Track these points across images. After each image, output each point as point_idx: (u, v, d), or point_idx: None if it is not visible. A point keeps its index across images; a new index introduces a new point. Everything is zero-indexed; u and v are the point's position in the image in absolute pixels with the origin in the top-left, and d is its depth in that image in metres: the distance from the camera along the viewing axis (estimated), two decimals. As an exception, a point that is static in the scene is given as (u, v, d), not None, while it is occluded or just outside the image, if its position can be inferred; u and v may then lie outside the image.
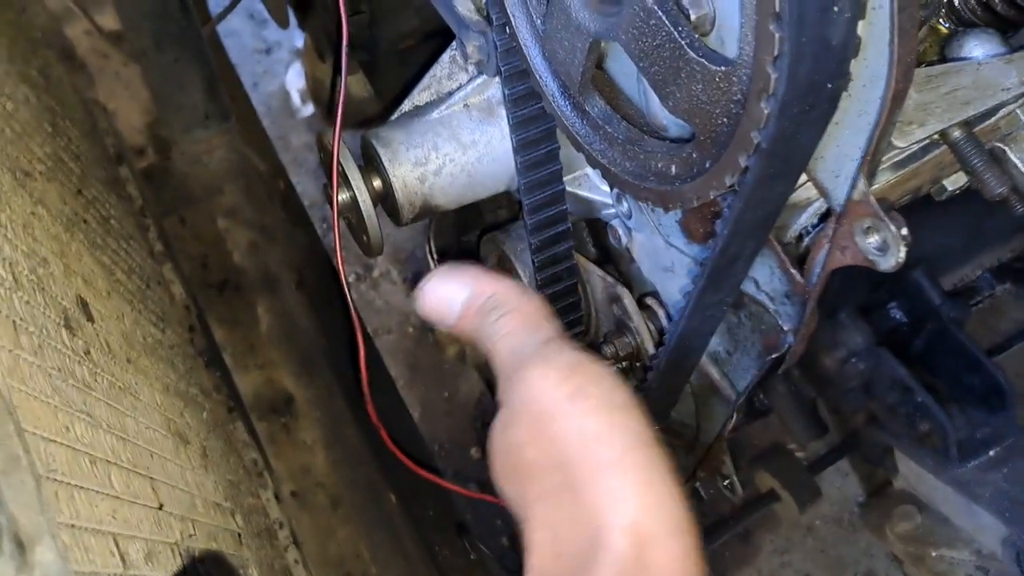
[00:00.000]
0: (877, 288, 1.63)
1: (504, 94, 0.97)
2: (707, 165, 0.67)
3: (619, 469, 0.73)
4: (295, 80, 3.07)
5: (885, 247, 0.64)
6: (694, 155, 0.70)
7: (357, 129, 1.78)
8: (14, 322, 0.70)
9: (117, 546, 0.71)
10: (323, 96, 1.84)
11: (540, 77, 0.87)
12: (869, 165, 0.61)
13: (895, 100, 0.56)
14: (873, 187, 0.81)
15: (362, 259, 2.96)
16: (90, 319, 0.95)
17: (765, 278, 0.81)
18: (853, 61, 0.58)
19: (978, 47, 0.76)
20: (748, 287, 0.84)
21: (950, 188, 0.87)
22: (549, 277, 1.12)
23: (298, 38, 3.06)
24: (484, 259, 1.27)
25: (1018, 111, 0.76)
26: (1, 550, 0.49)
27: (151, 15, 1.54)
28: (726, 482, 1.12)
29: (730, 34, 0.63)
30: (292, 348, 1.86)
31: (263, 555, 1.29)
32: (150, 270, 1.50)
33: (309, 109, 3.01)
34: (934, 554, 1.60)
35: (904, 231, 0.62)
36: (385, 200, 1.11)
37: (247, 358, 1.83)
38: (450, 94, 1.13)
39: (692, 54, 0.63)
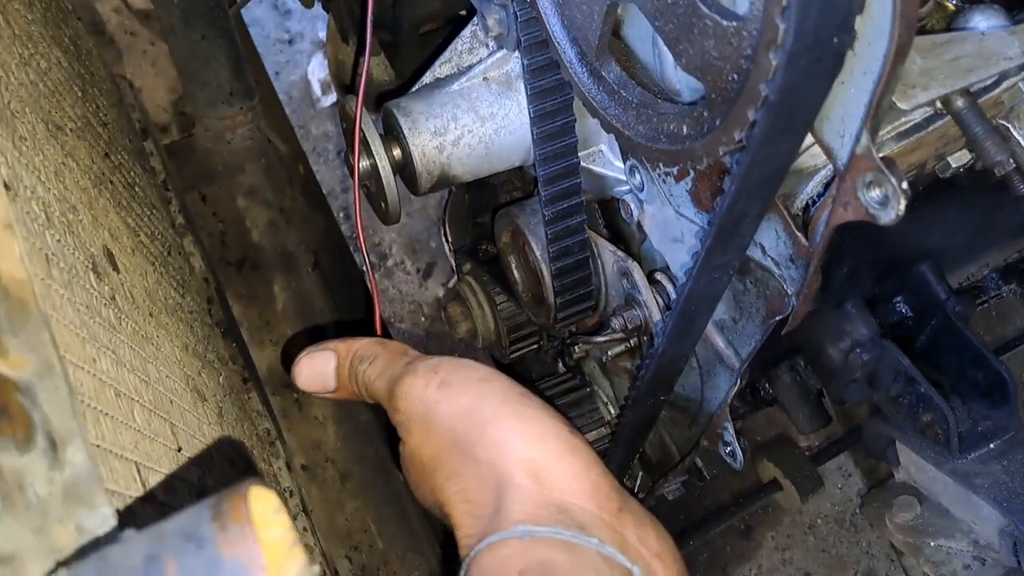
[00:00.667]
0: (884, 281, 1.65)
1: (523, 65, 1.00)
2: (717, 122, 0.70)
3: (499, 425, 0.83)
4: (317, 70, 3.11)
5: (886, 200, 0.66)
6: (705, 113, 0.73)
7: (377, 108, 1.82)
8: (46, 255, 0.73)
9: (139, 473, 0.73)
10: (345, 79, 1.87)
11: (559, 45, 0.90)
12: (872, 120, 0.63)
13: (898, 55, 0.59)
14: (890, 150, 0.84)
15: (377, 248, 3.00)
16: (116, 269, 0.98)
17: (771, 243, 0.84)
18: (858, 19, 0.61)
19: (983, 21, 0.78)
20: (754, 253, 0.87)
21: (954, 165, 0.89)
22: (562, 250, 1.15)
23: (321, 29, 3.10)
24: (498, 235, 1.30)
25: (1020, 84, 0.78)
26: (35, 444, 0.52)
27: (181, -9, 1.58)
28: (728, 449, 1.14)
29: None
30: (308, 326, 1.89)
31: (273, 518, 1.32)
32: (172, 240, 1.53)
33: (330, 99, 3.05)
34: (932, 544, 1.61)
35: (904, 184, 0.65)
36: (404, 169, 1.14)
37: (263, 334, 1.87)
38: (470, 67, 1.15)
39: (704, 10, 0.66)
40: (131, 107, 1.74)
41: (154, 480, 0.77)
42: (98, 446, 0.66)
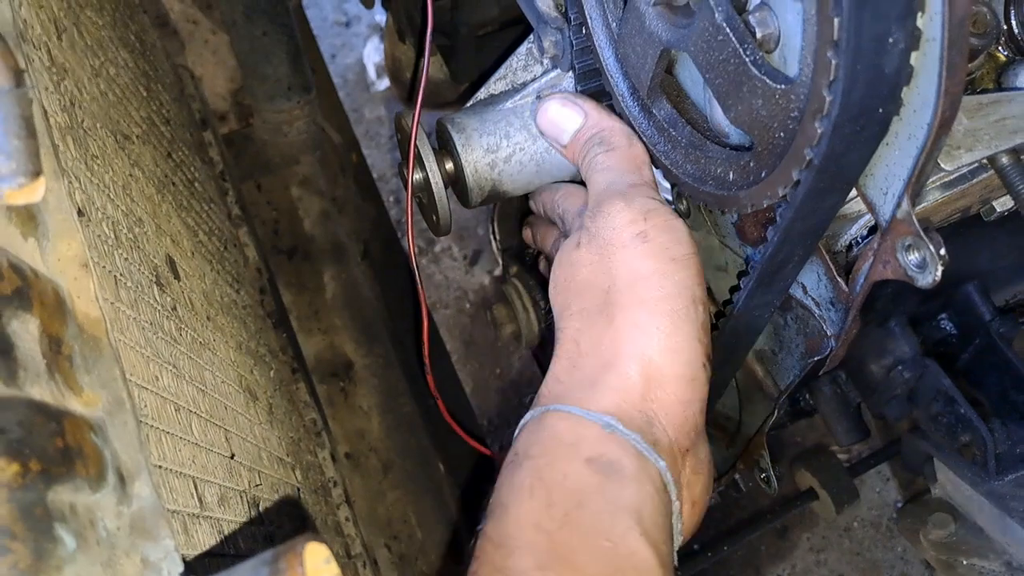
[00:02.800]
0: (929, 299, 1.65)
1: (576, 90, 1.02)
2: (763, 175, 0.72)
3: (653, 310, 0.82)
4: (372, 54, 3.14)
5: (924, 265, 0.68)
6: (751, 164, 0.74)
7: (432, 111, 1.85)
8: (115, 277, 0.77)
9: (196, 488, 0.77)
10: (401, 76, 1.90)
11: (611, 77, 0.92)
12: (914, 187, 0.65)
13: (941, 128, 0.60)
14: (923, 205, 0.85)
15: (425, 234, 3.03)
16: (177, 277, 1.02)
17: (812, 284, 0.86)
18: (905, 88, 0.62)
19: (1034, 78, 0.79)
20: (796, 291, 0.88)
21: (999, 209, 0.90)
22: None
23: (379, 13, 3.13)
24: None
25: (1067, 143, 0.79)
26: (106, 481, 0.55)
27: (244, -12, 1.61)
28: (763, 475, 1.16)
29: (792, 54, 0.68)
30: (355, 316, 1.93)
31: (318, 510, 1.37)
32: (228, 233, 1.58)
33: (384, 83, 3.08)
34: (965, 562, 1.62)
35: (943, 251, 0.66)
36: (456, 183, 1.16)
37: (311, 323, 1.91)
38: (524, 85, 1.17)
39: (755, 71, 0.67)
40: (192, 98, 1.78)
41: (210, 493, 0.81)
42: (160, 467, 0.70)
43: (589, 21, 0.93)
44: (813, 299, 0.86)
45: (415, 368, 1.93)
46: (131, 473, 0.57)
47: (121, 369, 0.60)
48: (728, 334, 0.90)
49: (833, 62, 0.58)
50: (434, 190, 1.13)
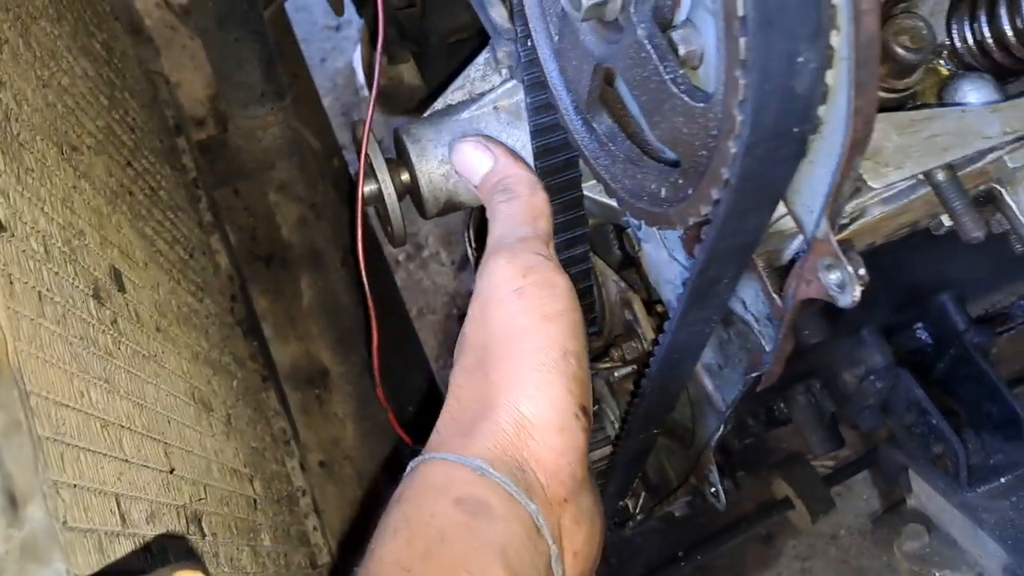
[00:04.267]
0: (904, 309, 1.64)
1: (526, 102, 1.01)
2: (688, 192, 0.71)
3: (523, 364, 0.85)
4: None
5: (843, 285, 0.67)
6: (680, 181, 0.73)
7: (406, 115, 1.84)
8: (39, 292, 0.76)
9: (119, 506, 0.76)
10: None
11: (555, 90, 0.91)
12: (832, 207, 0.64)
13: (853, 148, 0.59)
14: (865, 220, 0.84)
15: (413, 239, 3.03)
16: (121, 289, 1.01)
17: (751, 300, 0.84)
18: (822, 106, 0.61)
19: (972, 92, 0.78)
20: (736, 306, 0.87)
21: (947, 224, 0.88)
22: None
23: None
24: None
25: (1005, 157, 0.78)
26: (-5, 504, 0.54)
27: (215, -5, 1.60)
28: (712, 489, 1.16)
29: (714, 72, 0.67)
30: (331, 323, 1.92)
31: (280, 520, 1.36)
32: (196, 240, 1.57)
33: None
34: (937, 574, 1.61)
35: (861, 271, 0.65)
36: (412, 193, 1.15)
37: (287, 330, 1.90)
38: (482, 95, 1.16)
39: (674, 89, 0.66)
40: (166, 103, 1.78)
41: (136, 510, 0.80)
42: (74, 485, 0.69)
43: (533, 34, 0.92)
44: (752, 315, 0.85)
45: (392, 375, 1.92)
46: (24, 496, 0.56)
47: (21, 390, 0.60)
48: (667, 349, 0.89)
49: (742, 82, 0.57)
50: (387, 201, 1.12)
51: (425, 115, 1.19)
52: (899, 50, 0.74)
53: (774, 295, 0.80)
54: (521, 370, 0.85)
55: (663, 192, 0.77)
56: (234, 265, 1.71)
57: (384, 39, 1.11)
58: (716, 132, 0.64)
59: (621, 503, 1.42)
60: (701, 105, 0.65)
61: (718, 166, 0.63)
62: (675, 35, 0.68)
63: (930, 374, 1.67)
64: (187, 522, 0.92)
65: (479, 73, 1.19)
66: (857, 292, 0.65)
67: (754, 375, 0.89)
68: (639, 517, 1.42)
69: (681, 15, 0.69)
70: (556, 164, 1.05)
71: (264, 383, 1.62)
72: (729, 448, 1.53)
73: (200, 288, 1.42)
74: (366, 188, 1.13)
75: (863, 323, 1.58)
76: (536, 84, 0.97)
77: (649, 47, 0.68)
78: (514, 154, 1.03)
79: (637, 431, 1.10)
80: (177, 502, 0.92)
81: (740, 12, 0.55)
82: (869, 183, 0.71)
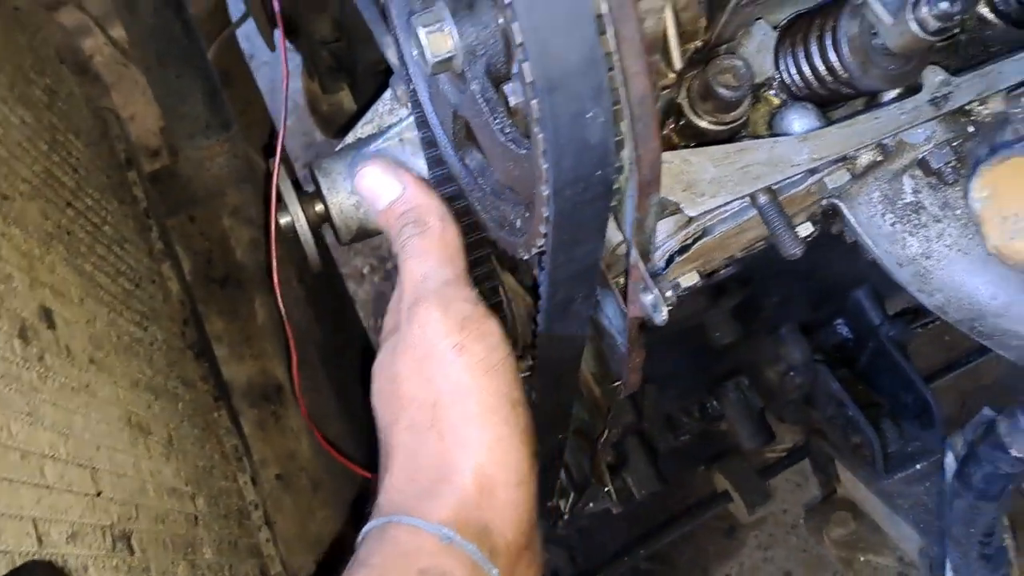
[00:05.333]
0: (820, 306, 1.72)
1: (419, 137, 1.09)
2: (529, 226, 0.79)
3: (478, 424, 0.86)
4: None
5: (656, 306, 0.75)
6: (526, 215, 0.81)
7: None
8: (-42, 338, 0.84)
9: (36, 528, 0.84)
10: (318, 108, 1.97)
11: (434, 127, 0.99)
12: (637, 236, 0.72)
13: (643, 188, 0.67)
14: (711, 237, 0.91)
15: (377, 251, 3.11)
16: (52, 327, 1.09)
17: (612, 313, 0.92)
18: (623, 150, 0.69)
19: (797, 121, 0.86)
20: (603, 319, 0.95)
21: (803, 235, 0.96)
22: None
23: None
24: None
25: (825, 179, 0.86)
26: None
27: (154, 34, 1.68)
28: (606, 489, 1.23)
29: (533, 123, 0.74)
30: (285, 341, 2.00)
31: (226, 534, 1.44)
32: (145, 270, 1.65)
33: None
34: (862, 559, 1.69)
35: (669, 293, 0.73)
36: (328, 221, 1.24)
37: (243, 348, 1.98)
38: (389, 127, 1.25)
39: (501, 137, 0.74)
40: (117, 138, 1.86)
41: (56, 532, 0.88)
42: (-12, 512, 0.77)
43: (413, 78, 1.00)
44: (615, 327, 0.93)
45: (345, 388, 2.00)
46: (-76, 526, 0.64)
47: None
48: (543, 362, 0.97)
49: (539, 136, 0.65)
50: (299, 232, 1.20)
51: (337, 148, 1.27)
52: (720, 89, 0.81)
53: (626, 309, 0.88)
54: (476, 430, 0.86)
55: (518, 223, 0.85)
56: (185, 290, 1.79)
57: (287, 79, 1.19)
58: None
59: (551, 503, 1.50)
60: (524, 152, 0.73)
61: (539, 206, 0.71)
62: (507, 88, 0.76)
63: (854, 367, 1.75)
64: (114, 540, 1.00)
65: (387, 107, 1.27)
66: (664, 313, 0.73)
67: (617, 383, 0.97)
68: (566, 516, 1.50)
69: (515, 69, 0.77)
70: (452, 192, 1.13)
71: (216, 403, 1.69)
72: (653, 445, 1.61)
73: (146, 316, 1.50)
74: (282, 220, 1.21)
75: (781, 321, 1.66)
76: (422, 122, 1.05)
77: (481, 100, 0.76)
78: (423, 182, 1.01)
79: (542, 436, 1.18)
80: (103, 522, 1.00)
81: (528, 78, 0.63)
82: (686, 211, 0.79)
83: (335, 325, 2.13)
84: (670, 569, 2.58)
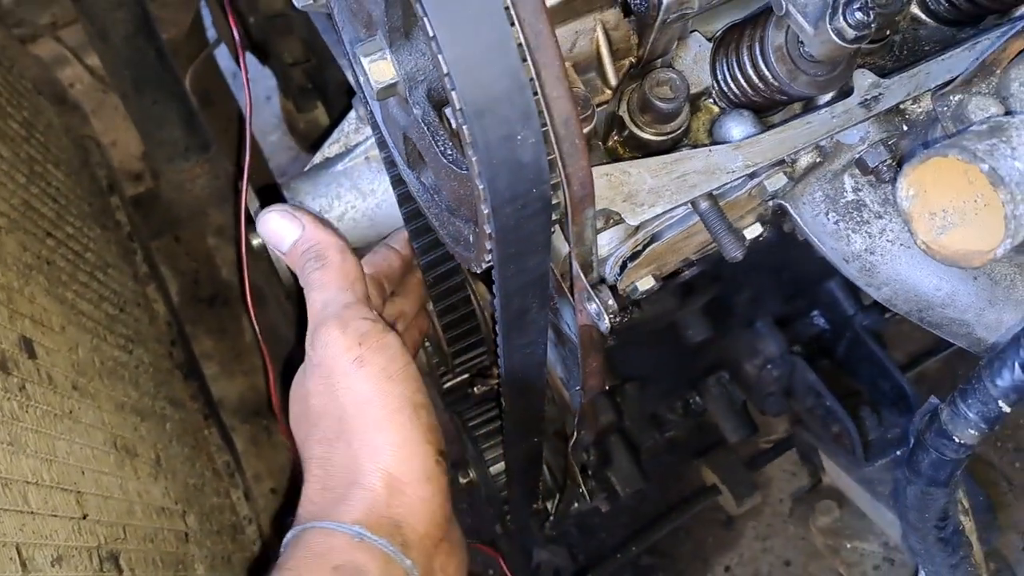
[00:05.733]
0: (793, 299, 1.75)
1: (381, 158, 1.13)
2: (479, 242, 0.82)
3: (381, 429, 0.93)
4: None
5: (600, 314, 0.78)
6: (475, 230, 0.84)
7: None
8: (-65, 375, 0.87)
9: (20, 554, 0.87)
10: (296, 126, 2.00)
11: (391, 147, 1.02)
12: (576, 249, 0.75)
13: (575, 206, 0.70)
14: (659, 243, 0.94)
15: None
16: (32, 356, 1.12)
17: (570, 320, 0.95)
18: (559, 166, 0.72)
19: (735, 128, 0.88)
20: (564, 326, 0.98)
21: (750, 236, 0.99)
22: (446, 307, 1.27)
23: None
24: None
25: (765, 183, 0.88)
26: None
27: (129, 62, 1.71)
28: (580, 490, 1.26)
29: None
30: (274, 355, 2.03)
31: (220, 550, 1.47)
32: (130, 294, 1.68)
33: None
34: (848, 546, 1.72)
35: (610, 301, 0.76)
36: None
37: (233, 365, 2.01)
38: (356, 147, 1.28)
39: (443, 159, 0.77)
40: (98, 165, 1.89)
41: (40, 556, 0.91)
42: (-31, 541, 0.80)
43: (369, 100, 1.03)
44: (573, 333, 0.96)
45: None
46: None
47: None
48: (505, 371, 1.00)
49: (473, 159, 0.68)
50: (269, 252, 1.23)
51: (306, 169, 1.30)
52: (656, 101, 0.84)
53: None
54: (382, 434, 0.93)
55: (471, 239, 0.88)
56: (172, 311, 1.82)
57: (250, 111, 1.22)
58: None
59: (537, 505, 1.53)
60: (465, 172, 0.76)
61: (482, 223, 0.74)
62: (448, 111, 0.79)
63: (833, 357, 1.78)
64: (101, 561, 1.03)
65: (353, 127, 1.31)
66: (607, 322, 0.76)
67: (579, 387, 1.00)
68: (552, 518, 1.52)
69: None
70: (417, 209, 1.16)
71: (206, 420, 1.73)
72: (635, 444, 1.64)
73: (131, 340, 1.53)
74: (254, 241, 1.24)
75: (755, 316, 1.69)
76: (382, 142, 1.08)
77: (423, 124, 0.79)
78: (322, 220, 1.08)
79: (516, 441, 1.21)
80: (90, 544, 1.03)
81: (458, 105, 0.66)
82: (628, 221, 0.82)
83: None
84: (671, 562, 2.60)
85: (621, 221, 0.83)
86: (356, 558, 0.88)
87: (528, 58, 0.65)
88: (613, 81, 0.83)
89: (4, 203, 1.28)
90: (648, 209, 0.82)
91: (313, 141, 1.97)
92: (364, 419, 0.93)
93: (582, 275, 0.76)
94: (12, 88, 1.59)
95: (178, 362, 1.75)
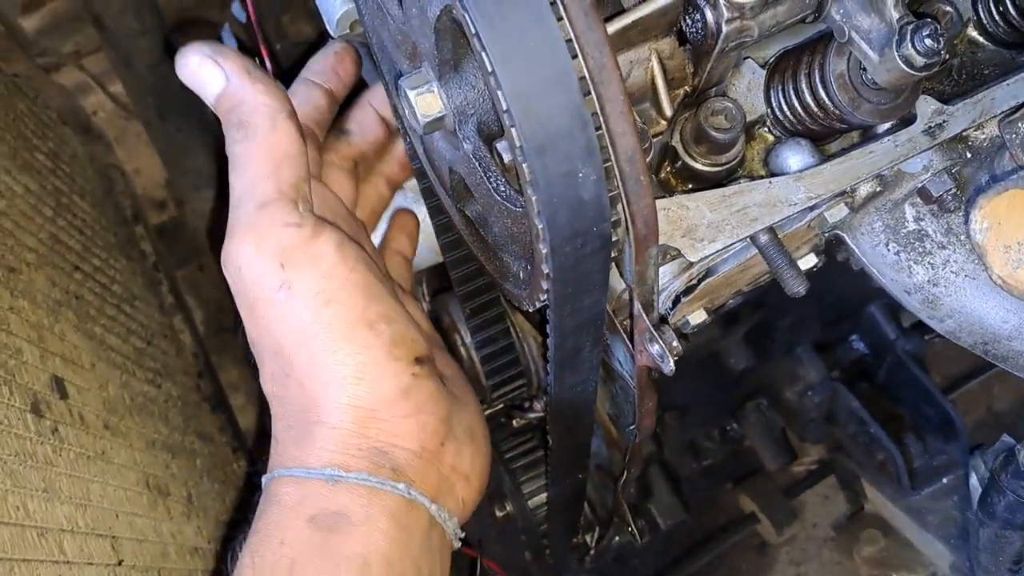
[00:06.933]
0: (834, 325, 1.71)
1: (419, 187, 1.10)
2: (532, 279, 0.79)
3: (335, 358, 0.78)
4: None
5: (663, 356, 0.74)
6: (528, 268, 0.81)
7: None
8: (-32, 423, 0.85)
9: (56, 606, 0.84)
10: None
11: (433, 181, 0.99)
12: (638, 289, 0.72)
13: (639, 243, 0.67)
14: (714, 277, 0.91)
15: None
16: (64, 396, 1.09)
17: (623, 357, 0.92)
18: (620, 204, 0.69)
19: (792, 157, 0.85)
20: (615, 363, 0.95)
21: (804, 267, 0.96)
22: (485, 339, 1.24)
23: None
24: (440, 317, 1.39)
25: (825, 214, 0.85)
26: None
27: (153, 90, 1.69)
28: (629, 528, 1.23)
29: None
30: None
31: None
32: (157, 326, 1.65)
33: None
34: (895, 576, 1.67)
35: (675, 343, 0.73)
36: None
37: (260, 394, 1.98)
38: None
39: (496, 196, 0.74)
40: (122, 194, 1.87)
41: (77, 607, 0.88)
42: (6, 597, 0.77)
43: (409, 131, 1.00)
44: (626, 371, 0.93)
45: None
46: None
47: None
48: (554, 408, 0.96)
49: (533, 198, 0.65)
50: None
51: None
52: (713, 132, 0.81)
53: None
54: (334, 366, 0.78)
55: (522, 275, 0.85)
56: (198, 342, 1.79)
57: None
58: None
59: (577, 539, 1.49)
60: (520, 209, 0.73)
61: (539, 262, 0.71)
62: (500, 146, 0.76)
63: (874, 382, 1.74)
64: (135, 608, 1.00)
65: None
66: (671, 364, 0.73)
67: (632, 426, 0.97)
68: (592, 550, 1.49)
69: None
70: (457, 238, 1.13)
71: (234, 454, 1.70)
72: (675, 475, 1.60)
73: (159, 374, 1.51)
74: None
75: (796, 342, 1.66)
76: (421, 173, 1.05)
77: (474, 159, 0.76)
78: (256, 69, 0.82)
79: (561, 477, 1.18)
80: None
81: (517, 143, 0.63)
82: (688, 257, 0.79)
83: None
84: (703, 588, 2.56)
85: (679, 256, 0.80)
86: (333, 502, 0.77)
87: (592, 92, 0.62)
88: (668, 112, 0.80)
89: (32, 238, 1.26)
90: (708, 245, 0.79)
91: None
92: (308, 354, 0.78)
93: (644, 315, 0.73)
94: (37, 119, 1.57)
95: (206, 394, 1.72)
